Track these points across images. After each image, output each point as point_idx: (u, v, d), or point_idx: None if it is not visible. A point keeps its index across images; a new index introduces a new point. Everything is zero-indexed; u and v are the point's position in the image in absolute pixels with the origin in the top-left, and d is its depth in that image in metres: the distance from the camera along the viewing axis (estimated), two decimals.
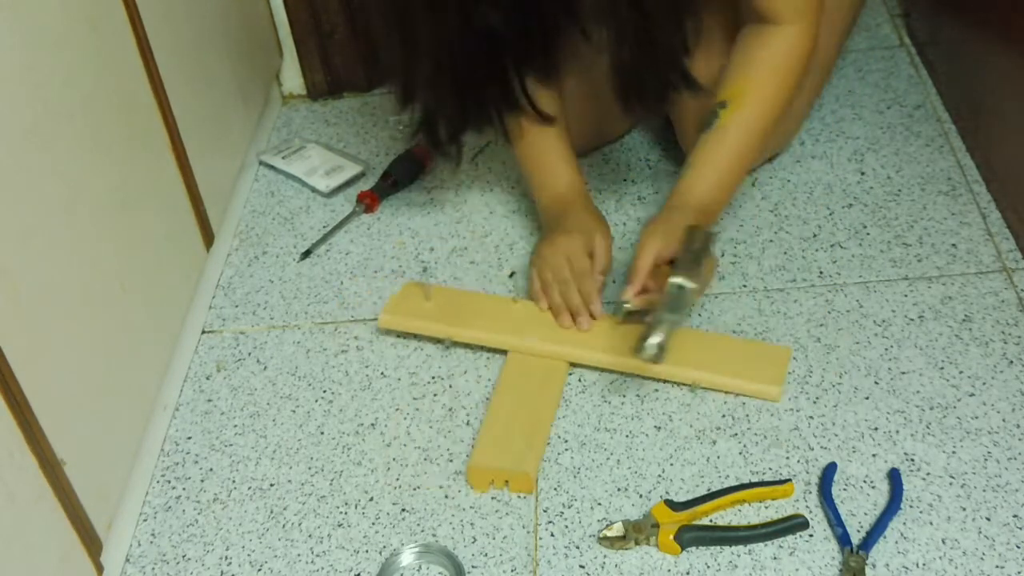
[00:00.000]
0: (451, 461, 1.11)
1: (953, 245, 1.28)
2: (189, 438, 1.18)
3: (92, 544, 0.97)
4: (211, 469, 1.14)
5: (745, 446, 1.08)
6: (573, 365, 1.18)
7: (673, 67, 1.18)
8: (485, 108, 1.24)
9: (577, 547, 1.02)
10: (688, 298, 1.08)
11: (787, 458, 1.07)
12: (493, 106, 1.24)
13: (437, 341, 1.23)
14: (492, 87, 1.23)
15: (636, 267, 1.12)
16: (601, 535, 1.01)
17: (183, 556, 1.06)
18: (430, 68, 1.18)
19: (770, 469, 1.06)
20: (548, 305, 1.20)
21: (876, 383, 1.13)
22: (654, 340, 1.04)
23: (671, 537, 0.99)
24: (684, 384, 1.14)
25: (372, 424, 1.17)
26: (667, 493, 1.05)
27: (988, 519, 0.99)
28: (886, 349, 1.17)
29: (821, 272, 1.27)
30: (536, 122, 1.27)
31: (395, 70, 1.23)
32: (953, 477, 1.03)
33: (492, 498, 1.07)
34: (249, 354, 1.27)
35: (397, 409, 1.18)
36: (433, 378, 1.20)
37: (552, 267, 1.21)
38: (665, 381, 1.15)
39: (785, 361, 1.15)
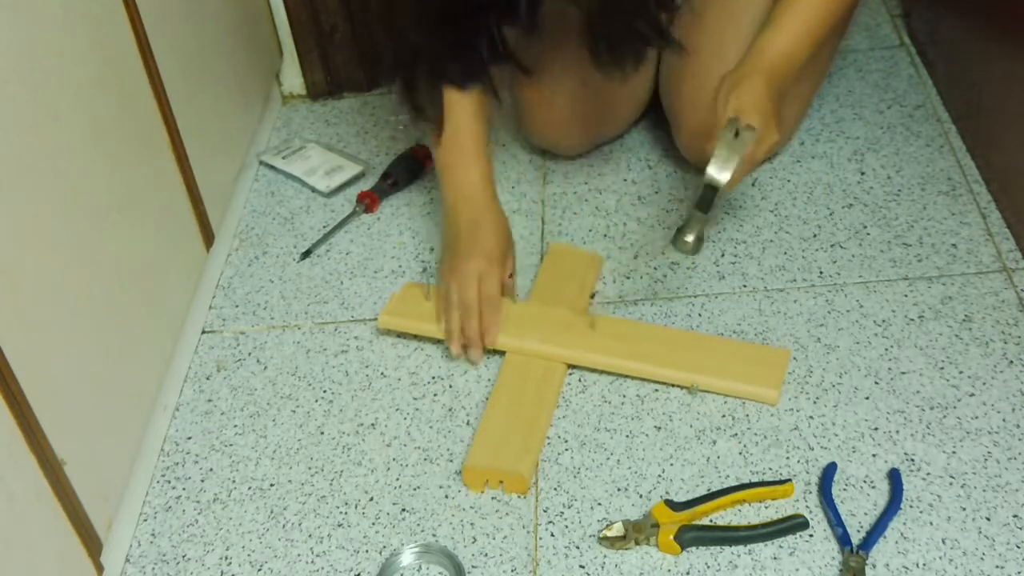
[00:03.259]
0: (451, 461, 1.11)
1: (953, 245, 1.28)
2: (189, 438, 1.18)
3: (92, 544, 0.97)
4: (211, 469, 1.14)
5: (745, 446, 1.08)
6: (572, 367, 1.18)
7: (642, 17, 1.17)
8: (467, 56, 1.22)
9: (577, 547, 1.02)
10: (721, 194, 1.08)
11: (787, 458, 1.07)
12: (476, 55, 1.22)
13: (437, 341, 1.23)
14: (475, 34, 1.21)
15: (719, 119, 1.11)
16: (601, 535, 1.01)
17: (183, 556, 1.06)
18: (411, 14, 1.17)
19: (770, 469, 1.06)
20: (443, 328, 1.19)
21: (876, 383, 1.13)
22: (689, 236, 1.11)
23: (671, 537, 0.99)
24: (682, 387, 1.14)
25: (372, 424, 1.17)
26: (667, 493, 1.05)
27: (988, 519, 0.99)
28: (886, 349, 1.17)
29: (821, 272, 1.27)
30: (468, 104, 1.23)
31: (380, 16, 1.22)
32: (953, 477, 1.03)
33: (492, 498, 1.07)
34: (249, 354, 1.27)
35: (397, 409, 1.18)
36: (433, 378, 1.20)
37: (460, 286, 1.18)
38: (663, 383, 1.15)
39: (784, 364, 1.15)
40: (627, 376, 1.16)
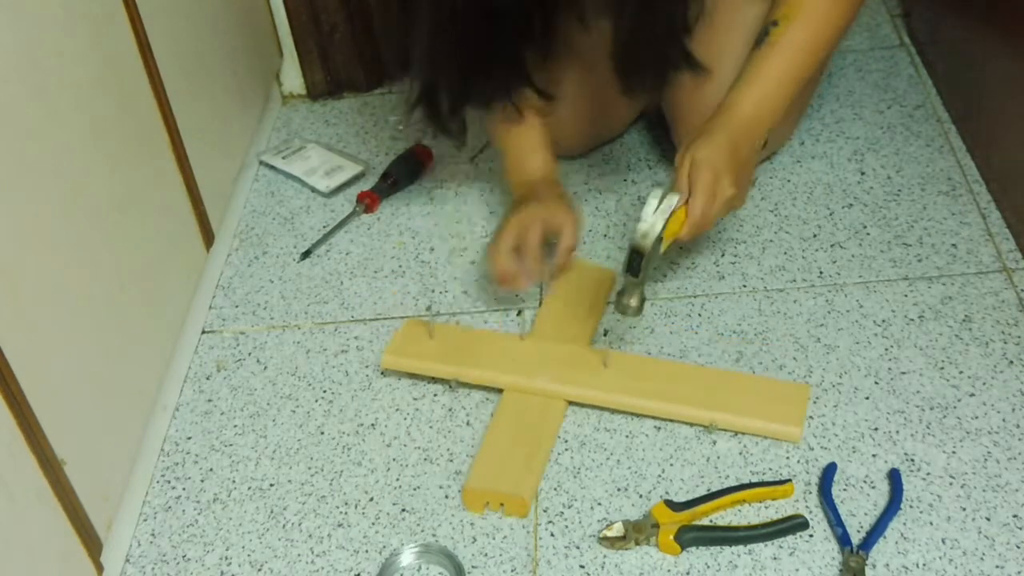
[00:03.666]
0: (451, 461, 1.11)
1: (953, 245, 1.28)
2: (189, 438, 1.18)
3: (92, 544, 0.97)
4: (211, 469, 1.14)
5: (745, 446, 1.08)
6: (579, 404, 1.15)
7: (673, 43, 1.17)
8: (489, 82, 1.23)
9: (577, 547, 1.02)
10: (650, 258, 1.08)
11: (787, 458, 1.07)
12: (497, 81, 1.23)
13: (442, 381, 1.20)
14: (496, 62, 1.21)
15: (676, 176, 1.12)
16: (601, 535, 1.01)
17: (183, 556, 1.06)
18: (429, 39, 1.17)
19: (770, 469, 1.06)
20: (499, 268, 1.20)
21: (876, 383, 1.13)
22: (632, 300, 1.11)
23: (671, 537, 0.99)
24: (701, 425, 1.10)
25: (372, 424, 1.17)
26: (667, 493, 1.05)
27: (988, 519, 0.99)
28: (886, 349, 1.17)
29: (821, 272, 1.27)
30: (525, 108, 1.27)
31: (395, 42, 1.23)
32: (953, 477, 1.03)
33: None
34: (249, 354, 1.27)
35: (397, 409, 1.18)
36: (433, 378, 1.20)
37: (517, 229, 1.20)
38: (682, 422, 1.11)
39: (804, 399, 1.10)
40: (644, 416, 1.13)
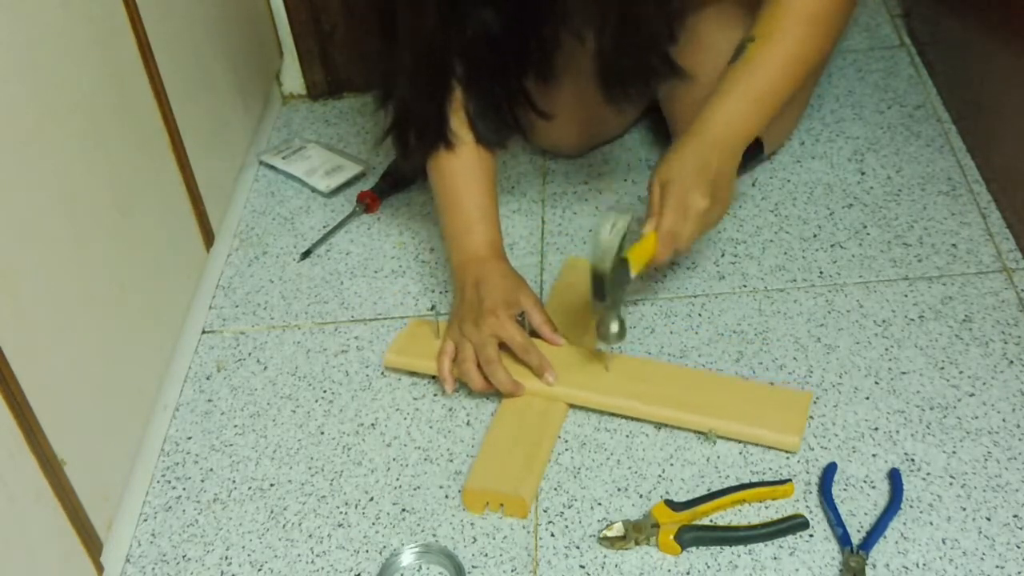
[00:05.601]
0: (451, 461, 1.11)
1: (953, 245, 1.28)
2: (189, 438, 1.18)
3: (92, 544, 0.97)
4: (211, 469, 1.14)
5: (745, 446, 1.08)
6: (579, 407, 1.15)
7: (655, 52, 1.17)
8: (488, 108, 1.23)
9: (577, 547, 1.02)
10: (615, 281, 1.06)
11: (787, 458, 1.07)
12: (500, 105, 1.24)
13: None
14: (493, 86, 1.22)
15: (648, 200, 1.13)
16: (601, 535, 1.01)
17: (183, 556, 1.06)
18: (411, 64, 1.18)
19: (770, 469, 1.06)
20: (475, 388, 1.14)
21: (876, 383, 1.13)
22: (612, 327, 1.09)
23: (671, 537, 0.99)
24: (699, 432, 1.10)
25: (372, 424, 1.17)
26: (667, 493, 1.05)
27: (988, 519, 0.99)
28: (886, 349, 1.17)
29: (821, 272, 1.27)
30: (464, 156, 1.22)
31: (379, 69, 1.23)
32: (953, 477, 1.03)
33: None
34: (249, 354, 1.27)
35: (397, 409, 1.18)
36: (433, 378, 1.20)
37: (476, 344, 1.13)
38: (680, 428, 1.11)
39: (805, 407, 1.09)
40: (644, 420, 1.12)
